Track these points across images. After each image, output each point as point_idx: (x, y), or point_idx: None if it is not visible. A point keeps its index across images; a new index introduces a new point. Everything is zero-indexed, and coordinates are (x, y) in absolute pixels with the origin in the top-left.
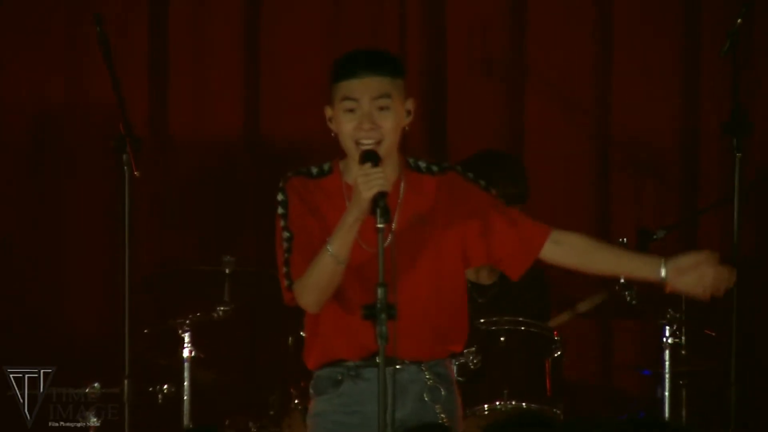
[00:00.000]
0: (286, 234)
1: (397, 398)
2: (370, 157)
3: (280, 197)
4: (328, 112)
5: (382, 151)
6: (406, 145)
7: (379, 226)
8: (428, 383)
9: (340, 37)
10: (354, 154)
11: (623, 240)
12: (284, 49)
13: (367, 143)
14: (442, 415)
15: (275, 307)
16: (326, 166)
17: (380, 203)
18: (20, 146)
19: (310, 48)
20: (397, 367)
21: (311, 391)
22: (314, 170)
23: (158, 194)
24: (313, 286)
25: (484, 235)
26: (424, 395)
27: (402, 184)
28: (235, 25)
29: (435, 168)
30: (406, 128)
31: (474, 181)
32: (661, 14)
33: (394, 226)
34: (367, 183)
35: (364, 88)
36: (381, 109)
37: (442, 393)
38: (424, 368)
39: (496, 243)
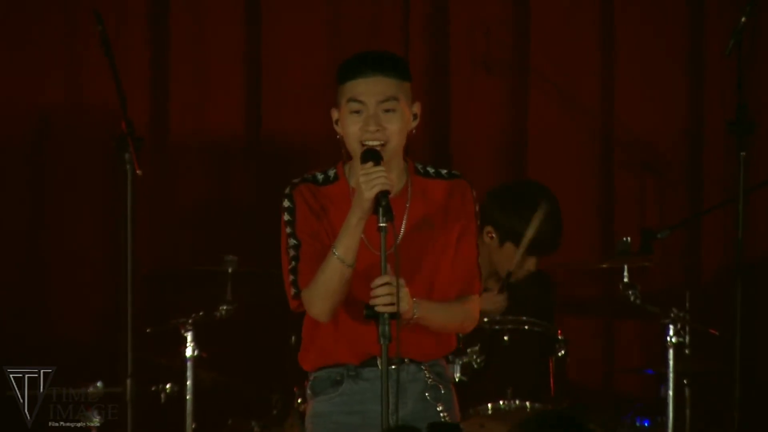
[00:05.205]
0: (293, 241)
1: (398, 397)
2: (371, 157)
3: (286, 204)
4: (335, 114)
5: (386, 153)
6: (409, 146)
7: (381, 225)
8: (429, 382)
9: (342, 36)
10: (359, 155)
11: (627, 239)
12: (286, 48)
13: (373, 144)
14: (444, 414)
15: (278, 307)
16: (331, 173)
17: (382, 202)
18: (20, 146)
19: (312, 47)
20: (396, 366)
21: (309, 392)
22: (320, 177)
23: (160, 193)
24: (323, 292)
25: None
26: (426, 394)
27: (409, 190)
28: (237, 25)
29: (444, 173)
30: (413, 132)
31: (474, 201)
32: (664, 13)
33: (401, 231)
34: (369, 182)
35: (370, 90)
36: (387, 111)
37: (442, 392)
38: (423, 367)
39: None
